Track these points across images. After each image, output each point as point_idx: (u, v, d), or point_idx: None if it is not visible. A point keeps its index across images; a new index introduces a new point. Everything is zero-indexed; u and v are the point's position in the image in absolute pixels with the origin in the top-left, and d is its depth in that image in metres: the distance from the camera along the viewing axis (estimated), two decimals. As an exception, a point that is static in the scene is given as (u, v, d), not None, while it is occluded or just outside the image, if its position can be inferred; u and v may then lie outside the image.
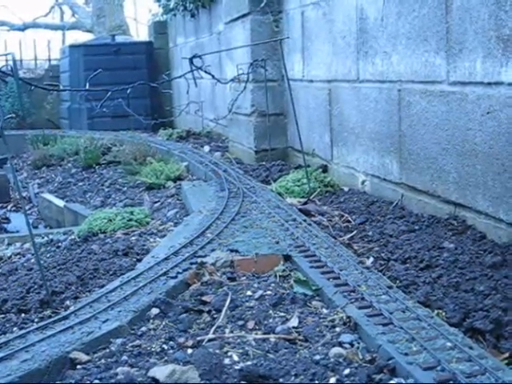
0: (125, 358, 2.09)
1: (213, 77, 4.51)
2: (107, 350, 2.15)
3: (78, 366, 2.05)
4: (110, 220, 4.23)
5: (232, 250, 3.08)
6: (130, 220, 4.25)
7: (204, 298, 2.57)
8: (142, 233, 4.02)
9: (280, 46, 5.23)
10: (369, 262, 2.99)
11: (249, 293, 2.62)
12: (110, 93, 3.59)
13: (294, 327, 2.27)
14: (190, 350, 2.13)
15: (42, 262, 3.29)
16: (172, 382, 1.86)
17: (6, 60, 11.39)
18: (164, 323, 2.38)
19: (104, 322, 2.31)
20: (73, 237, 4.25)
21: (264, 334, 2.24)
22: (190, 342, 2.18)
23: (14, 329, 2.59)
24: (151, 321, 2.41)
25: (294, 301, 2.51)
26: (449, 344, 1.97)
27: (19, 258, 4.11)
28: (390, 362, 1.92)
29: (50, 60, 14.28)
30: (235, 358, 2.06)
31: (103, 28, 15.34)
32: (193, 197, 4.66)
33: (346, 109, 4.66)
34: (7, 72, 2.91)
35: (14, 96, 11.93)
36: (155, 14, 12.93)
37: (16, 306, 2.81)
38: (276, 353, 2.07)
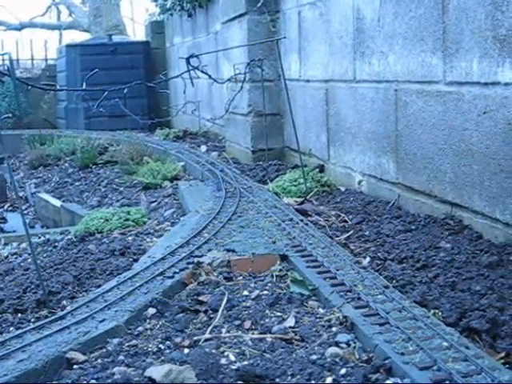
0: (121, 357, 2.09)
1: (210, 76, 4.52)
2: (104, 350, 2.15)
3: (75, 366, 2.05)
4: (107, 220, 4.23)
5: (229, 250, 3.08)
6: (127, 220, 4.25)
7: (201, 298, 2.57)
8: (138, 233, 4.02)
9: (277, 46, 5.23)
10: (365, 261, 2.99)
11: (245, 292, 2.62)
12: (106, 92, 3.59)
13: (290, 327, 2.27)
14: (186, 350, 2.13)
15: (38, 261, 3.28)
16: (168, 382, 1.86)
17: (3, 60, 11.44)
18: (161, 323, 2.38)
19: (101, 321, 2.31)
20: (69, 237, 4.24)
21: (260, 333, 2.24)
22: (186, 342, 2.18)
23: (11, 329, 2.60)
24: (148, 321, 2.41)
25: (290, 301, 2.51)
26: (445, 344, 1.97)
27: (16, 258, 4.11)
28: (387, 361, 1.92)
29: (46, 60, 14.28)
30: (232, 357, 2.06)
31: (100, 28, 15.33)
32: (190, 197, 4.65)
33: (343, 109, 4.66)
34: (4, 72, 2.91)
35: (11, 96, 11.92)
36: (152, 13, 12.94)
37: (13, 306, 2.82)
38: (272, 353, 2.07)
